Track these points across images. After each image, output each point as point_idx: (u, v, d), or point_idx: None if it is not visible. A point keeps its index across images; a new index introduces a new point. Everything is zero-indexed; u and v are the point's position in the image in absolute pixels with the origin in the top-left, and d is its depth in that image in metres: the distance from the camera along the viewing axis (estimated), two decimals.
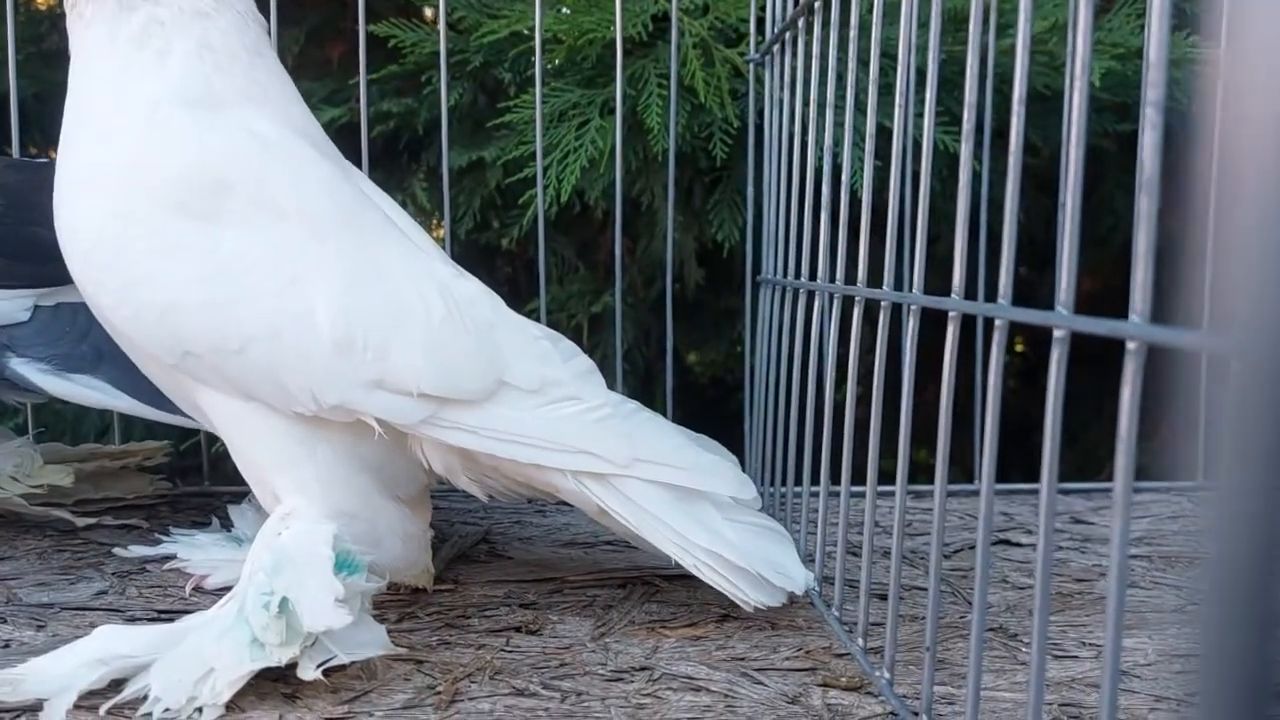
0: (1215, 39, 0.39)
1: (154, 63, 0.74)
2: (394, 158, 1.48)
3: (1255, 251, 0.27)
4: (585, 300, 1.45)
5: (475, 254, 1.47)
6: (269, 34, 0.81)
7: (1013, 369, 1.85)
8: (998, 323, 0.53)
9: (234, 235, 0.72)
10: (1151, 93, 0.42)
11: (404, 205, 0.87)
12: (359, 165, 1.03)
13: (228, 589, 0.70)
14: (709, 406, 1.65)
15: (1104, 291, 1.54)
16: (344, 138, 1.09)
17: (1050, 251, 1.20)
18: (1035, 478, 0.49)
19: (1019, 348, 1.88)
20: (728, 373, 1.62)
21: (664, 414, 0.86)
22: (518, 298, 1.33)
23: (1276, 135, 0.27)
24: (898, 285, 0.69)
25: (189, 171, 0.72)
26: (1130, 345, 0.42)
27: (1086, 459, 1.62)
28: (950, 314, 0.58)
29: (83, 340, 0.87)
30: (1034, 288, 1.55)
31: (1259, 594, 0.28)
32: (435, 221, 1.49)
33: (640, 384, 1.47)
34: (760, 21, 1.16)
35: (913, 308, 0.63)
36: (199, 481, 1.19)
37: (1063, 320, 0.47)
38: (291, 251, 0.72)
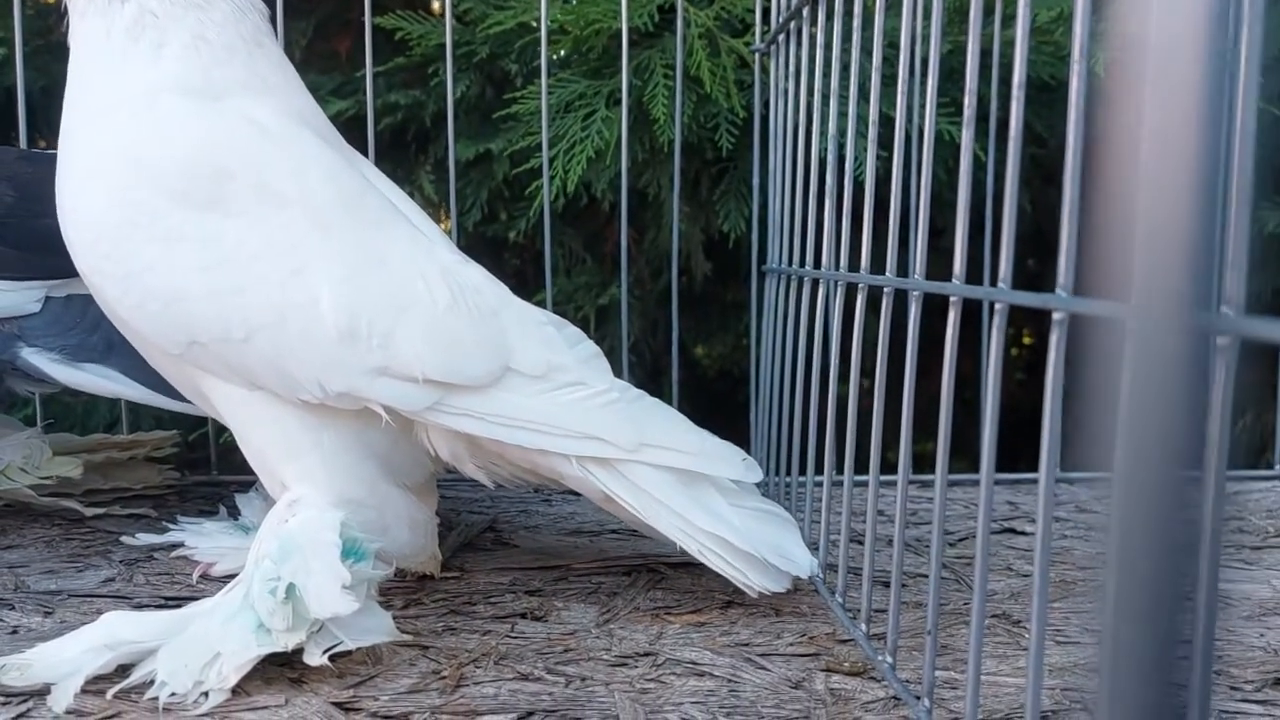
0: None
1: (150, 54, 0.74)
2: (401, 150, 1.48)
3: (1154, 225, 0.28)
4: (592, 292, 1.45)
5: (482, 246, 1.47)
6: (271, 23, 0.81)
7: (1021, 361, 1.85)
8: (998, 306, 0.53)
9: (237, 224, 0.72)
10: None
11: (411, 197, 0.87)
12: (366, 158, 1.03)
13: (234, 577, 0.71)
14: (716, 400, 1.65)
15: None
16: (351, 130, 1.09)
17: (1057, 243, 1.20)
18: None
19: (1026, 340, 1.88)
20: (735, 365, 1.62)
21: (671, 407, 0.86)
22: (525, 290, 1.33)
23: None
24: (901, 272, 0.69)
25: (190, 160, 0.73)
26: (1131, 325, 0.42)
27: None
28: (952, 299, 0.58)
29: (94, 332, 0.88)
30: (1041, 280, 1.55)
31: (1161, 575, 0.28)
32: (442, 214, 1.49)
33: (647, 377, 1.48)
34: (766, 12, 1.16)
35: (915, 294, 0.64)
36: (207, 471, 1.20)
37: (1061, 302, 0.47)
38: (295, 240, 0.72)
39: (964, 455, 1.33)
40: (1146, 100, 0.30)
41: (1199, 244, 0.30)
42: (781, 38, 1.06)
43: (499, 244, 1.52)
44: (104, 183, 0.73)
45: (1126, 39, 0.31)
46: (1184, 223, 0.30)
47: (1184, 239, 0.30)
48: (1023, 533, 1.01)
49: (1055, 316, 0.47)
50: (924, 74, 0.65)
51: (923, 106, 0.64)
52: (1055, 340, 0.48)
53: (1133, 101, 0.30)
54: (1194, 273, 0.30)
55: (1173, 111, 0.30)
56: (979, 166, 1.12)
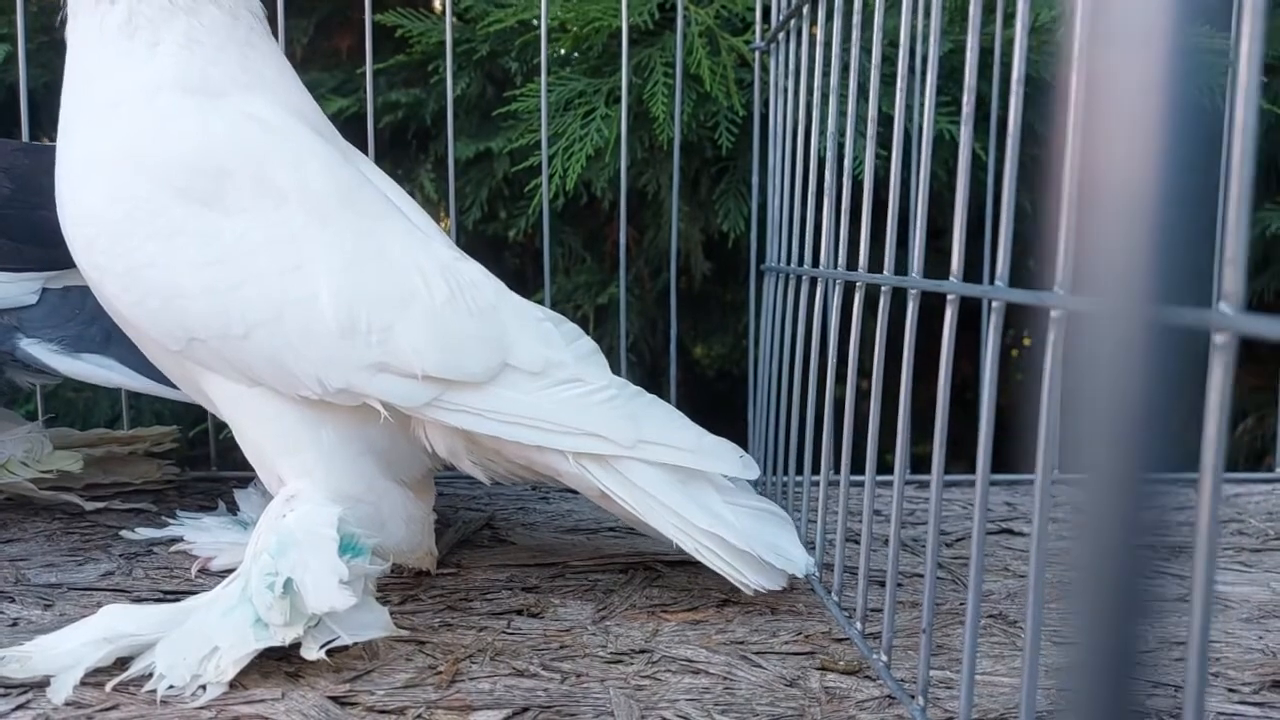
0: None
1: (145, 53, 0.75)
2: (401, 149, 1.48)
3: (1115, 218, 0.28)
4: (591, 291, 1.45)
5: (482, 245, 1.48)
6: (265, 23, 0.81)
7: (1023, 365, 1.85)
8: (994, 304, 0.53)
9: (236, 220, 0.72)
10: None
11: (412, 196, 0.88)
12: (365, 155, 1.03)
13: (233, 571, 0.71)
14: (716, 400, 1.65)
15: None
16: (353, 128, 1.09)
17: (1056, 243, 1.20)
18: None
19: (1026, 341, 1.88)
20: (734, 365, 1.62)
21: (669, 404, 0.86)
22: (524, 289, 1.33)
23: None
24: (900, 270, 0.69)
25: (191, 157, 0.73)
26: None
27: None
28: (949, 297, 0.58)
29: (92, 323, 0.88)
30: (1042, 280, 1.54)
31: (1124, 572, 0.28)
32: (442, 212, 1.49)
33: (646, 376, 1.48)
34: (766, 10, 1.16)
35: (913, 291, 0.64)
36: (206, 467, 1.20)
37: (1059, 300, 0.47)
38: (294, 236, 0.72)
39: (963, 457, 1.34)
40: (1102, 91, 0.30)
41: (1145, 234, 0.30)
42: (781, 36, 1.06)
43: (498, 243, 1.53)
44: (104, 179, 0.73)
45: (1087, 28, 0.31)
46: (1130, 214, 0.30)
47: (1129, 229, 0.30)
48: (1020, 534, 1.01)
49: (1053, 314, 0.47)
50: (924, 73, 0.65)
51: (922, 105, 0.64)
52: (1052, 339, 0.48)
53: (1090, 92, 0.30)
54: (1141, 264, 0.30)
55: (1124, 101, 0.29)
56: (979, 167, 1.13)
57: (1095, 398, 0.29)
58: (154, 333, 0.74)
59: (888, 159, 0.69)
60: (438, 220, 1.43)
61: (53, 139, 1.41)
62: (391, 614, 0.70)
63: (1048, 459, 0.49)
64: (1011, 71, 0.53)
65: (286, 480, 0.74)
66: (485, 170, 1.42)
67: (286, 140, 0.76)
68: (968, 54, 0.56)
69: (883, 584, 0.81)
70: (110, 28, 0.75)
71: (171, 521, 0.95)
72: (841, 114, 0.82)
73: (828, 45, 0.86)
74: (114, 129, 0.74)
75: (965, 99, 0.56)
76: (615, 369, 0.83)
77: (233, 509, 0.97)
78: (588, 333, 0.84)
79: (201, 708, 0.61)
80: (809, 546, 0.82)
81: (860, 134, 0.97)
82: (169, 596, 0.80)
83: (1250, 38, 0.35)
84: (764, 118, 1.16)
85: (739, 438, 0.88)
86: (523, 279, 1.55)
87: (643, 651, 0.70)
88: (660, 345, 1.48)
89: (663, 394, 0.89)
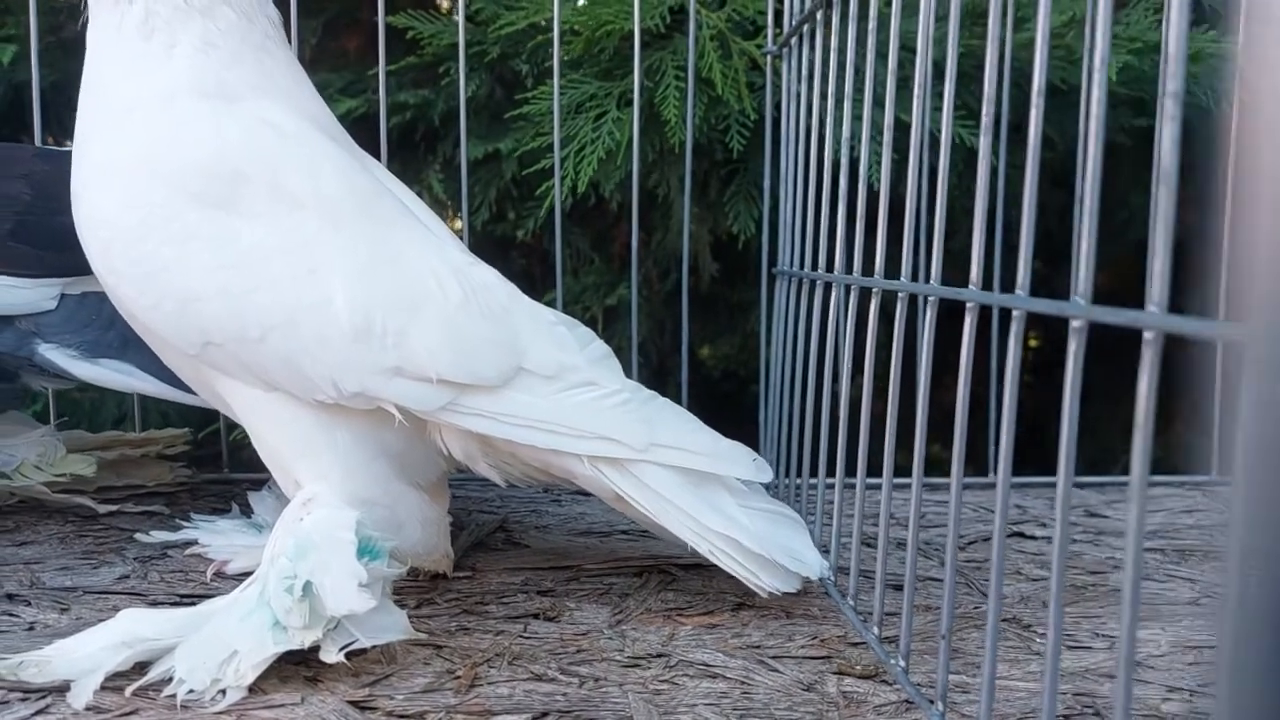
0: (1235, 34, 0.40)
1: (162, 55, 0.75)
2: (411, 149, 1.48)
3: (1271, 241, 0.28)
4: (600, 293, 1.46)
5: (491, 246, 1.48)
6: (280, 29, 0.81)
7: (1027, 364, 1.85)
8: (1015, 314, 0.53)
9: (251, 224, 0.72)
10: (1171, 84, 0.42)
11: (420, 197, 0.88)
12: (377, 157, 1.03)
13: (248, 574, 0.71)
14: (723, 400, 1.65)
15: (1119, 286, 1.54)
16: (361, 129, 1.10)
17: (1065, 247, 1.21)
18: (1049, 471, 0.49)
19: (1033, 342, 1.88)
20: (741, 366, 1.62)
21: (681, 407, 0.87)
22: (533, 290, 1.33)
23: None
24: (915, 277, 0.69)
25: (207, 162, 0.73)
26: (1147, 335, 0.43)
27: (1100, 453, 1.62)
28: (968, 305, 0.58)
29: (109, 328, 0.88)
30: (1049, 282, 1.55)
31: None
32: (451, 213, 1.49)
33: (654, 377, 1.48)
34: (778, 14, 1.16)
35: (930, 299, 0.64)
36: (218, 469, 1.20)
37: (1080, 311, 0.47)
38: (309, 240, 0.73)
39: (971, 459, 1.34)
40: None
41: None
42: (794, 40, 1.06)
43: (507, 244, 1.53)
44: (120, 185, 0.74)
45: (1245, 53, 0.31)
46: None
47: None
48: (1032, 537, 1.01)
49: (1074, 325, 0.48)
50: (938, 78, 0.65)
51: (936, 110, 0.64)
52: (1074, 348, 0.48)
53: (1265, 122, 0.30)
54: None
55: None
56: (991, 169, 1.13)
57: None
58: (170, 337, 0.74)
59: (900, 163, 0.69)
60: (446, 221, 1.43)
61: (59, 140, 1.42)
62: (409, 617, 0.70)
63: (1068, 465, 0.49)
64: (1022, 75, 0.53)
65: (303, 484, 0.74)
66: (494, 171, 1.42)
67: (301, 146, 0.76)
68: (987, 66, 0.56)
69: (896, 588, 0.81)
70: (128, 28, 0.75)
71: (185, 524, 0.95)
72: (856, 118, 0.82)
73: (841, 50, 0.86)
74: (129, 135, 0.75)
75: (985, 109, 0.56)
76: (625, 370, 0.83)
77: (246, 511, 0.98)
78: (597, 334, 0.84)
79: (221, 712, 0.61)
80: (823, 550, 0.82)
81: (874, 139, 0.98)
82: (185, 600, 0.80)
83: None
84: (775, 121, 1.17)
85: (745, 438, 0.88)
86: (530, 280, 1.55)
87: (660, 655, 0.71)
88: (668, 346, 1.48)
89: (671, 395, 0.90)
